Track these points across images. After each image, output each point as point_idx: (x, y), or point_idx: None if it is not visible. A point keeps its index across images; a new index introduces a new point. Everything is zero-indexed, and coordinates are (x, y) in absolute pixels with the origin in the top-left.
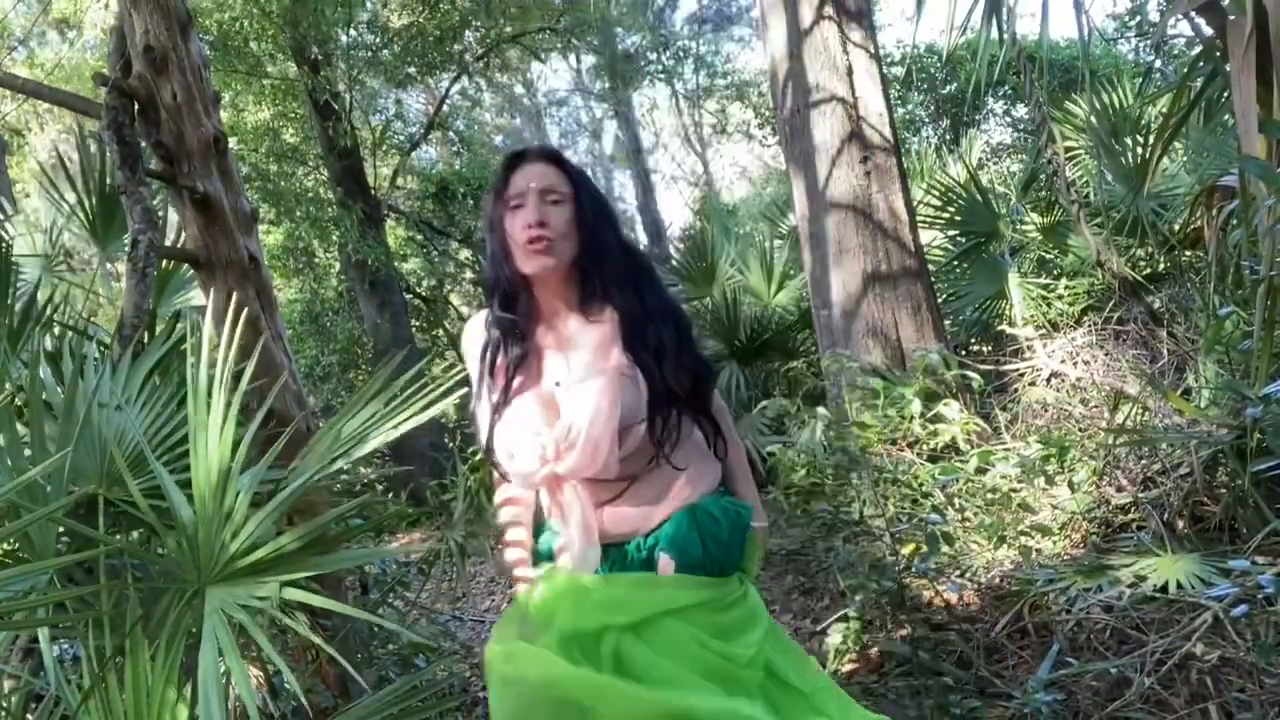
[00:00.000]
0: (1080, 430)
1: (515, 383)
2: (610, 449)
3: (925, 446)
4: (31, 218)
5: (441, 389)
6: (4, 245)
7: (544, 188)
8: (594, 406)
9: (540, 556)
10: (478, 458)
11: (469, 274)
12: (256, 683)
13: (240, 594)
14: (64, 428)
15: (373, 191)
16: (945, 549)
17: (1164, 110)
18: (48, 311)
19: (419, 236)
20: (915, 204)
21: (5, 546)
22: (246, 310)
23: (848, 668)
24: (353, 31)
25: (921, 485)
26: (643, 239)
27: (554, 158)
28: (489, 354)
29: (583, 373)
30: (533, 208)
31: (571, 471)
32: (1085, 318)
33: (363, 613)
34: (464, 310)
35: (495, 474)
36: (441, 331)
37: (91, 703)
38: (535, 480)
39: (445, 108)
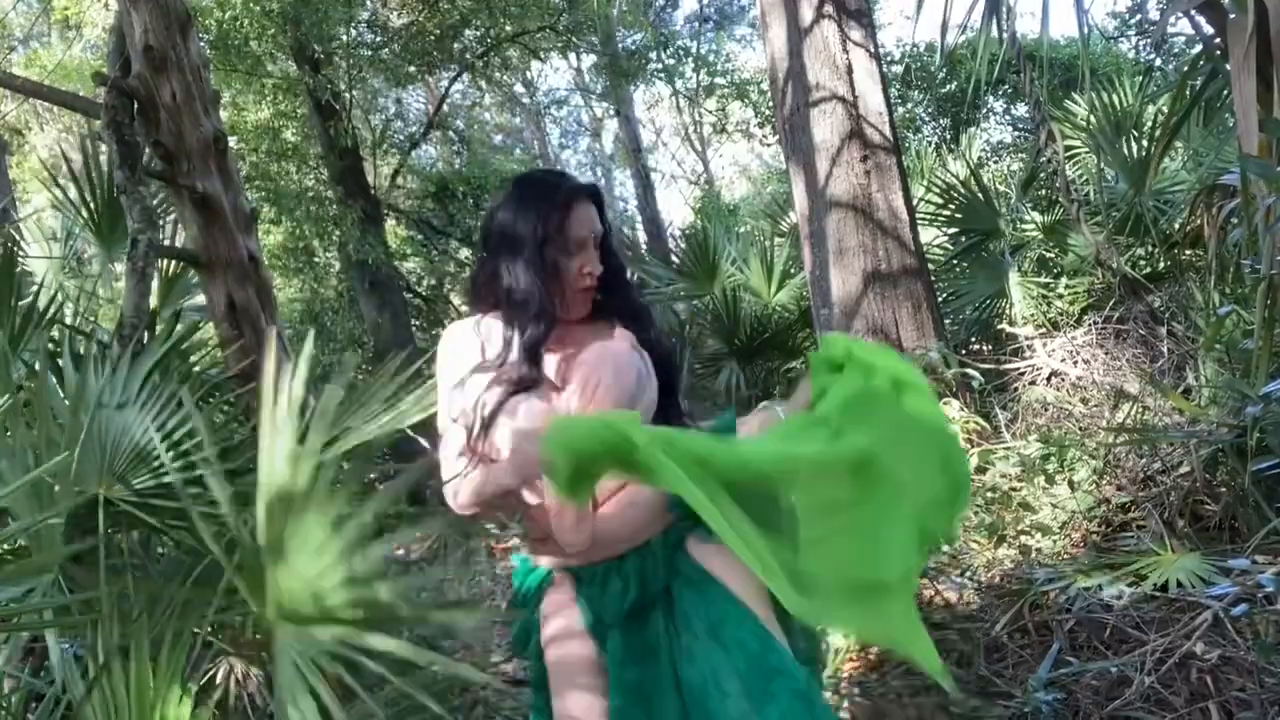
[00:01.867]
0: (1080, 429)
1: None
2: (628, 404)
3: None
4: (36, 219)
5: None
6: (11, 249)
7: (595, 234)
8: (611, 360)
9: (528, 587)
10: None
11: (469, 273)
12: (256, 682)
13: (325, 640)
14: (69, 428)
15: (373, 191)
16: (945, 549)
17: (1164, 109)
18: (50, 312)
19: (419, 236)
20: (915, 203)
21: (6, 546)
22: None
23: (848, 668)
24: (353, 30)
25: None
26: (643, 238)
27: (599, 199)
28: (506, 360)
29: (590, 350)
30: (592, 258)
31: None
32: (1085, 317)
33: (483, 674)
34: (465, 310)
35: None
36: (441, 331)
37: (95, 701)
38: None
39: (445, 107)
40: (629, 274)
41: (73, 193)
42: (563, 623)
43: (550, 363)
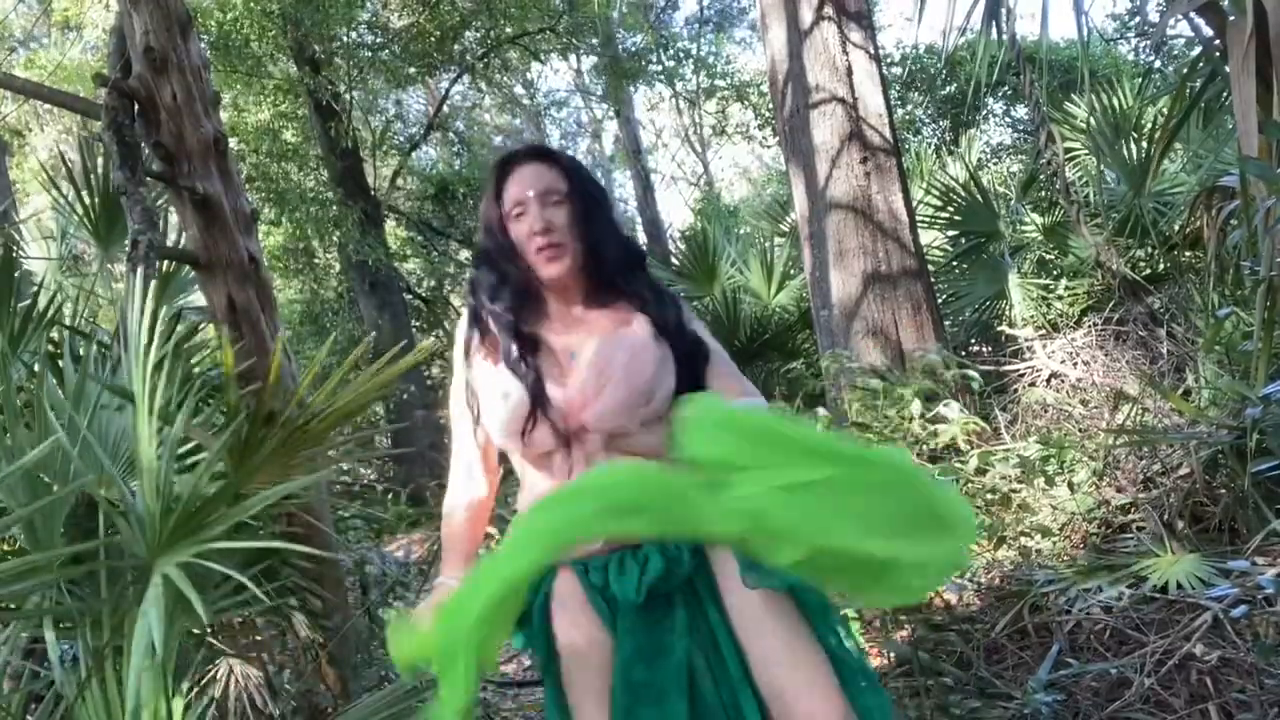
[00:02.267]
0: (1080, 431)
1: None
2: (644, 393)
3: (925, 447)
4: (36, 220)
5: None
6: (11, 250)
7: (541, 190)
8: (627, 348)
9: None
10: None
11: (469, 274)
12: (256, 682)
13: (183, 554)
14: (69, 428)
15: (373, 192)
16: None
17: (1164, 111)
18: (50, 313)
19: (419, 237)
20: (915, 204)
21: (6, 547)
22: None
23: None
24: (353, 32)
25: None
26: (643, 239)
27: (546, 155)
28: (486, 341)
29: (603, 336)
30: (535, 215)
31: (600, 418)
32: (1085, 318)
33: (326, 531)
34: (464, 310)
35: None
36: (442, 332)
37: (93, 700)
38: (557, 436)
39: (445, 108)
40: (623, 236)
41: (72, 193)
42: (576, 609)
43: (558, 345)
